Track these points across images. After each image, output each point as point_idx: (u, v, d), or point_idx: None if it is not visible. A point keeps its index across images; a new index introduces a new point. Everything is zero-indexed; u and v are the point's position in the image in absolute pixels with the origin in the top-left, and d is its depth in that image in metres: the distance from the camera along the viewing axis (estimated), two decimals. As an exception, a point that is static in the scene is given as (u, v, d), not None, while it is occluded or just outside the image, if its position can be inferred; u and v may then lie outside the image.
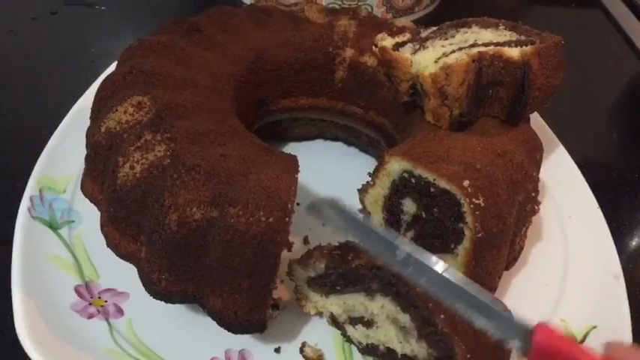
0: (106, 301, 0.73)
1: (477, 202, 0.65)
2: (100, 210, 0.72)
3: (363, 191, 0.76)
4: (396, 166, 0.71)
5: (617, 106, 1.27)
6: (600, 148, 1.16)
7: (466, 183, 0.65)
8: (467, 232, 0.67)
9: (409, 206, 0.72)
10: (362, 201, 0.76)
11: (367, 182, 0.76)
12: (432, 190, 0.68)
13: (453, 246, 0.69)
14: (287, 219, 0.61)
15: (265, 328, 0.66)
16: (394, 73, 0.79)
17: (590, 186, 0.89)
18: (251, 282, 0.61)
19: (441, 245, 0.71)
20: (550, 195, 0.87)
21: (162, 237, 0.62)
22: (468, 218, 0.65)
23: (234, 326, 0.65)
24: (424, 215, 0.71)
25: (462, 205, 0.66)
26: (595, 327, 0.73)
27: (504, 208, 0.66)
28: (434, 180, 0.67)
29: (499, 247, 0.68)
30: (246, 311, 0.64)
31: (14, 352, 0.66)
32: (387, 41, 0.81)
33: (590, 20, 1.49)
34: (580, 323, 0.74)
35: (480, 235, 0.65)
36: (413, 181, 0.70)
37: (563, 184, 0.89)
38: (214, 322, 0.67)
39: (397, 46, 0.80)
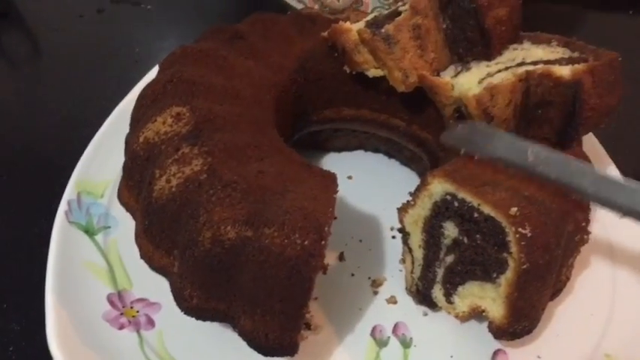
0: (137, 312, 0.72)
1: (524, 231, 0.61)
2: (135, 220, 0.71)
3: (402, 211, 0.73)
4: (438, 187, 0.68)
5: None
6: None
7: (513, 211, 0.62)
8: (511, 263, 0.63)
9: (450, 230, 0.69)
10: (401, 221, 0.74)
11: (407, 202, 0.73)
12: (475, 215, 0.65)
13: (494, 275, 0.66)
14: (323, 242, 0.59)
15: (296, 352, 0.64)
16: (436, 98, 0.75)
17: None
18: (283, 305, 0.60)
19: (482, 273, 0.68)
20: (601, 222, 0.82)
21: (196, 254, 0.61)
22: (513, 248, 0.62)
23: (264, 348, 0.64)
24: (465, 241, 0.68)
25: (508, 233, 0.62)
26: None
27: (552, 239, 0.63)
28: (478, 205, 0.64)
29: (544, 279, 0.65)
30: (277, 334, 0.62)
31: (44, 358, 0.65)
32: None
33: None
34: (626, 358, 0.70)
35: (525, 266, 0.62)
36: (456, 204, 0.67)
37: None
38: (245, 341, 0.65)
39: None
